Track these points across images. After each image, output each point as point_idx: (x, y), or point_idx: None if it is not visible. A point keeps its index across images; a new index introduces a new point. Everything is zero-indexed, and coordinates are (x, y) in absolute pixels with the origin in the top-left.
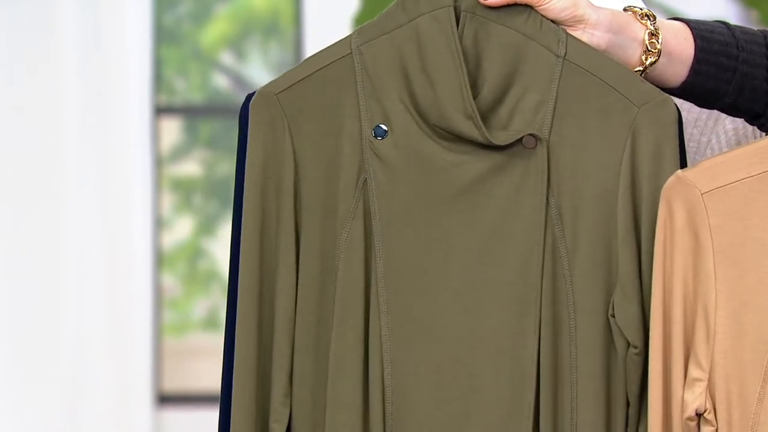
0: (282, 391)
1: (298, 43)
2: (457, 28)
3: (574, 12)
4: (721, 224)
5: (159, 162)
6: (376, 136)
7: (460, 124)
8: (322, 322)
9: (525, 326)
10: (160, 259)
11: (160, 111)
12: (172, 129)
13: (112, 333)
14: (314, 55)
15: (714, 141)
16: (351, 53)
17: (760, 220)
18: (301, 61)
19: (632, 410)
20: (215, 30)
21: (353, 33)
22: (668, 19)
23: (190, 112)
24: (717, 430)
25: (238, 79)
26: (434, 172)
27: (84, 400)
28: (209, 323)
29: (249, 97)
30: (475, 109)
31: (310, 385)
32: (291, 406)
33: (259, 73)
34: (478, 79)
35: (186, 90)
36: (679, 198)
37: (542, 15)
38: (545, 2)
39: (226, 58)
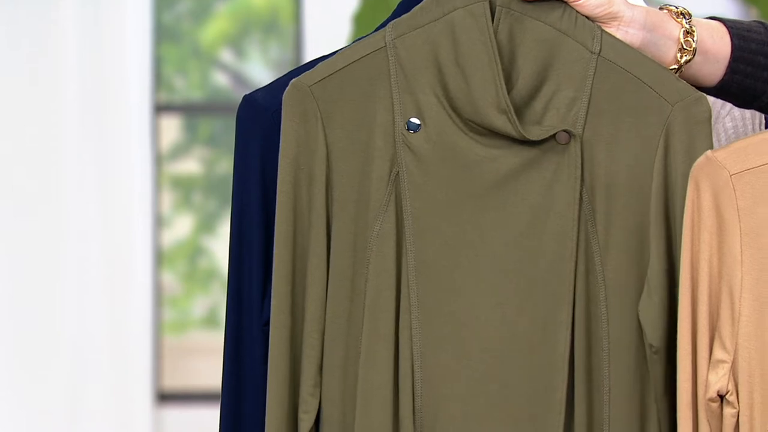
0: (311, 381)
1: (297, 41)
2: (492, 23)
3: (608, 8)
4: (749, 206)
5: (159, 160)
6: (409, 130)
7: (494, 118)
8: (353, 314)
9: (558, 321)
10: (159, 257)
11: (160, 109)
12: (171, 127)
13: (111, 331)
14: (348, 47)
15: (714, 139)
16: (385, 46)
17: None
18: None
19: (660, 407)
20: (215, 28)
21: (388, 26)
22: (705, 18)
23: (189, 110)
24: (739, 412)
25: (238, 77)
26: (467, 166)
27: (84, 398)
28: (209, 321)
29: (245, 99)
30: (509, 104)
31: (340, 377)
32: (320, 397)
33: (259, 71)
34: (512, 74)
35: (186, 88)
36: (708, 178)
37: (577, 11)
38: None
39: (226, 56)
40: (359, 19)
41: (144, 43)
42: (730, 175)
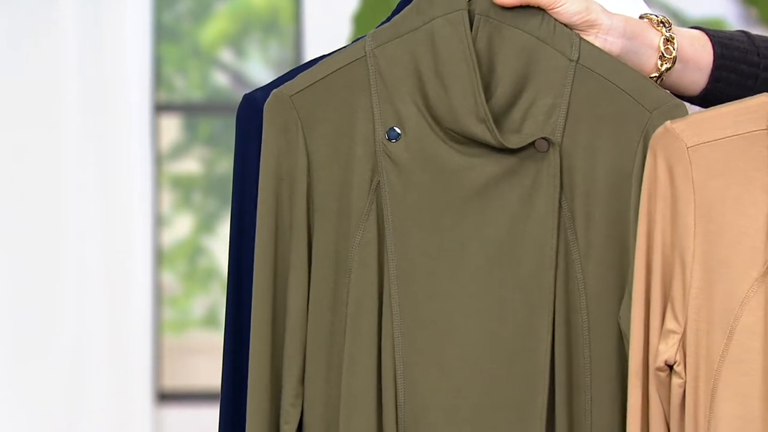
0: (293, 392)
1: (297, 41)
2: (471, 31)
3: (586, 16)
4: (703, 179)
5: (159, 160)
6: (389, 139)
7: (473, 127)
8: (335, 324)
9: (538, 329)
10: (159, 257)
11: (160, 109)
12: (171, 127)
13: (111, 331)
14: (328, 57)
15: None
16: (365, 56)
17: (741, 178)
18: (308, 61)
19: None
20: (215, 28)
21: (368, 36)
22: (688, 27)
23: (189, 110)
24: (685, 383)
25: (238, 77)
26: (447, 174)
27: (84, 398)
28: (209, 321)
29: (245, 98)
30: (488, 113)
31: (323, 386)
32: (303, 407)
33: (259, 71)
34: (492, 82)
35: (186, 88)
36: (665, 149)
37: (555, 19)
38: (558, 5)
39: (226, 55)
40: (359, 19)
41: (144, 42)
42: (687, 148)
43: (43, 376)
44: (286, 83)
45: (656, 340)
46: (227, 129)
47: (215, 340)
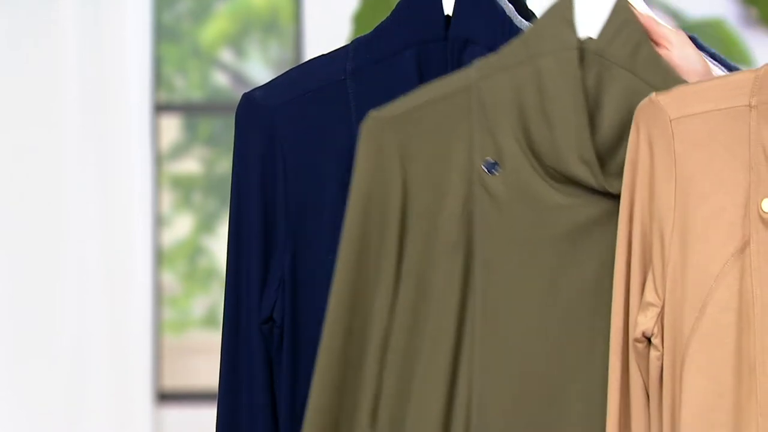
0: (368, 415)
1: (297, 41)
2: (581, 70)
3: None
4: (685, 152)
5: (159, 160)
6: (487, 171)
7: (576, 167)
8: (413, 348)
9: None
10: (159, 257)
11: (160, 109)
12: (171, 127)
13: (111, 331)
14: (432, 83)
15: None
16: (470, 86)
17: (723, 153)
18: (421, 89)
19: None
20: (215, 28)
21: (473, 66)
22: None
23: (189, 110)
24: (663, 356)
25: (238, 77)
26: (543, 212)
27: (84, 398)
28: (209, 321)
29: (245, 97)
30: (593, 155)
31: (391, 407)
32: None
33: (259, 71)
34: (597, 123)
35: (186, 88)
36: (648, 121)
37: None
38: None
39: (226, 55)
40: (359, 19)
41: (144, 42)
42: (670, 120)
43: (43, 376)
44: (385, 106)
45: (636, 311)
46: (227, 129)
47: (215, 340)
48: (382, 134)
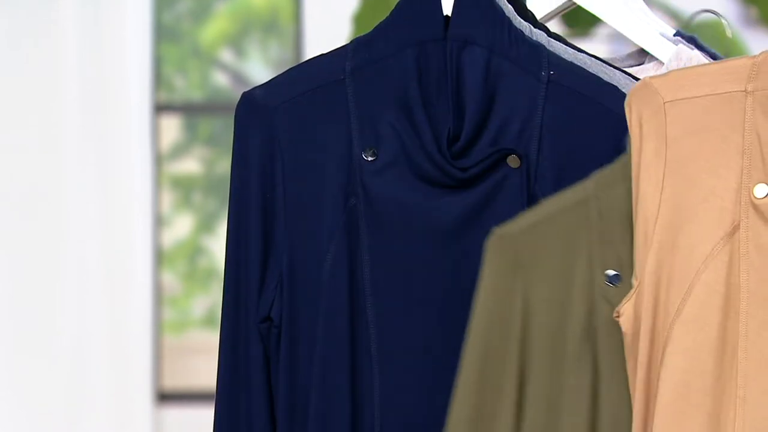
0: None
1: (297, 41)
2: None
3: None
4: (677, 136)
5: (159, 160)
6: (609, 283)
7: None
8: None
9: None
10: (159, 257)
11: (160, 109)
12: (171, 127)
13: (111, 331)
14: (549, 200)
15: None
16: (588, 198)
17: (716, 138)
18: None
19: None
20: (215, 28)
21: (590, 179)
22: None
23: (189, 110)
24: (631, 336)
25: (238, 77)
26: None
27: (84, 398)
28: (209, 321)
29: (244, 96)
30: None
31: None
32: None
33: (259, 71)
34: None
35: (186, 88)
36: (641, 102)
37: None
38: None
39: (226, 55)
40: (359, 19)
41: (144, 42)
42: (664, 102)
43: (43, 376)
44: (509, 222)
45: None
46: (227, 129)
47: (215, 340)
48: (508, 252)
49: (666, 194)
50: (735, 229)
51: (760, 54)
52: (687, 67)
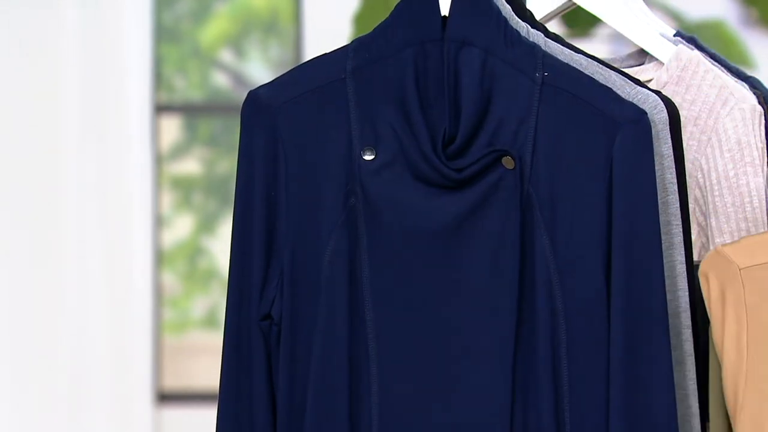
0: None
1: (297, 41)
2: None
3: None
4: (757, 302)
5: (159, 160)
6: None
7: None
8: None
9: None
10: (159, 258)
11: (160, 109)
12: (171, 127)
13: (112, 331)
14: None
15: (714, 139)
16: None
17: None
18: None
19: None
20: (215, 28)
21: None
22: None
23: (189, 110)
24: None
25: (238, 77)
26: None
27: (84, 399)
28: (209, 321)
29: (249, 95)
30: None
31: None
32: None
33: (259, 71)
34: None
35: (186, 88)
36: (716, 271)
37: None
38: None
39: (226, 56)
40: (359, 19)
41: (144, 43)
42: (740, 269)
43: (44, 376)
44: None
45: None
46: (227, 129)
47: (215, 340)
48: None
49: (751, 363)
50: None
51: None
52: (755, 234)
